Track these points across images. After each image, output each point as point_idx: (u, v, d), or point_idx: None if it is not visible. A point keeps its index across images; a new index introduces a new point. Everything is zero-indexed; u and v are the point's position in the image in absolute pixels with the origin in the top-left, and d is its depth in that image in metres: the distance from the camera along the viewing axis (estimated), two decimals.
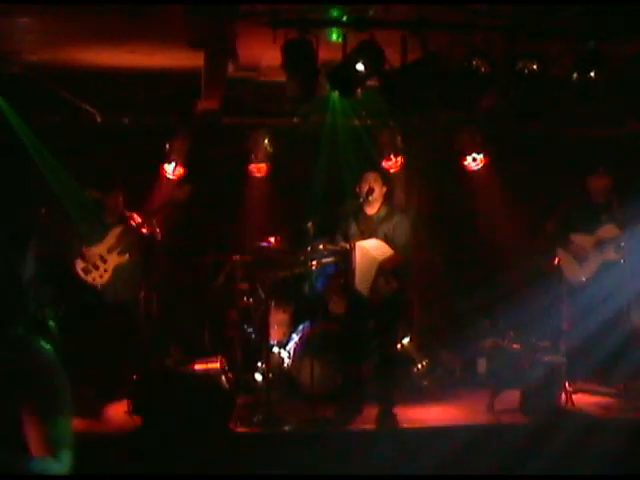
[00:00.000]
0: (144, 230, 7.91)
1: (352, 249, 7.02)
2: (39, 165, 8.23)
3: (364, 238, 7.06)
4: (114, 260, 7.89)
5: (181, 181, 8.35)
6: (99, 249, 7.89)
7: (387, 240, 7.00)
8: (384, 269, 6.86)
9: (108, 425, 6.90)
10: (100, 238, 7.91)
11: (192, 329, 8.46)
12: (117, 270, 7.89)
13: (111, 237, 7.91)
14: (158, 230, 7.88)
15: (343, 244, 7.18)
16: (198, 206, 8.62)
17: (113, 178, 8.19)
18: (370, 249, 6.96)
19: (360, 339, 7.29)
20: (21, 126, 8.17)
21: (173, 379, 7.11)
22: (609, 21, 6.35)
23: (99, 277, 7.87)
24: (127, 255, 7.89)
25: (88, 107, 8.50)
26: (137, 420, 6.60)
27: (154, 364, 7.75)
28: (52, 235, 7.96)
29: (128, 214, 8.06)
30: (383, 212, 7.17)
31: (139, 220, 7.97)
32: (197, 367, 7.57)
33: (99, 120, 8.64)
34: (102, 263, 7.88)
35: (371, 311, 7.11)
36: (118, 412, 7.03)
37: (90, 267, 7.87)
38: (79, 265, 7.87)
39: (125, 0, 6.06)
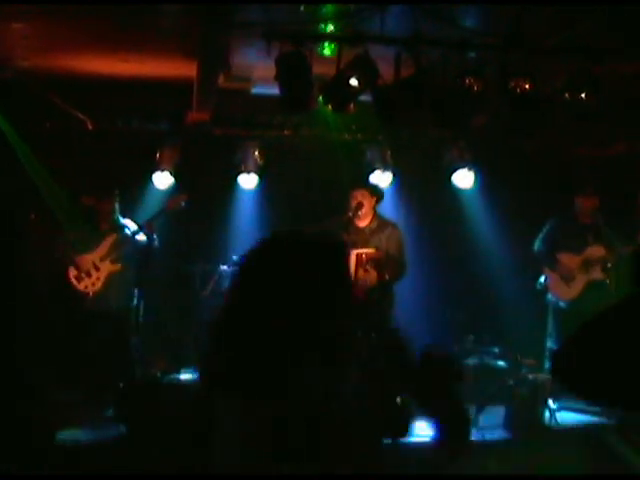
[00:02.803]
0: (140, 238, 7.89)
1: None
2: (29, 171, 8.20)
3: (357, 248, 7.08)
4: (107, 268, 7.85)
5: (175, 190, 8.28)
6: (92, 257, 7.84)
7: (378, 251, 7.04)
8: (360, 259, 6.92)
9: (93, 433, 6.85)
10: (94, 246, 7.87)
11: (178, 339, 8.43)
12: (110, 278, 7.85)
13: (105, 245, 7.87)
14: (155, 237, 7.86)
15: None
16: (186, 216, 8.61)
17: (108, 185, 8.16)
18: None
19: None
20: (11, 132, 8.15)
21: (159, 388, 7.08)
22: (602, 42, 6.40)
23: (91, 285, 7.82)
24: (120, 263, 7.86)
25: (79, 114, 8.48)
26: (122, 428, 6.58)
27: (140, 373, 7.71)
28: (41, 241, 7.96)
29: (123, 222, 8.05)
30: (375, 224, 7.22)
31: (134, 228, 7.95)
32: (183, 377, 7.55)
33: (90, 127, 8.62)
34: (95, 271, 7.83)
35: (358, 314, 7.09)
36: (103, 420, 7.00)
37: (82, 275, 7.82)
38: (72, 273, 7.82)
39: (119, 8, 6.05)
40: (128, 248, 7.87)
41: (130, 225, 8.02)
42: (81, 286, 7.82)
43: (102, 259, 7.84)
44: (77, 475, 5.95)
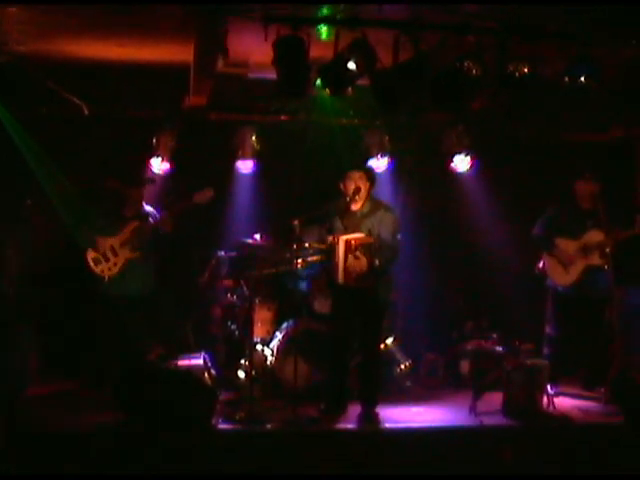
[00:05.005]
0: (162, 227, 7.87)
1: (336, 244, 7.04)
2: (25, 156, 8.16)
3: (347, 233, 7.07)
4: (125, 254, 7.82)
5: (203, 185, 8.14)
6: (112, 241, 7.83)
7: (371, 234, 7.02)
8: (350, 246, 6.90)
9: (90, 419, 6.86)
10: (115, 230, 7.85)
11: (176, 325, 8.43)
12: (127, 265, 7.82)
13: (126, 231, 7.84)
14: (171, 230, 7.87)
15: (328, 238, 7.18)
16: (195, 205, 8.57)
17: (140, 173, 8.24)
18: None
19: (344, 338, 7.29)
20: (7, 117, 8.11)
21: (156, 375, 7.07)
22: (601, 26, 6.38)
23: (107, 269, 7.79)
24: (139, 252, 7.83)
25: (75, 99, 8.43)
26: (119, 415, 6.57)
27: (137, 359, 7.70)
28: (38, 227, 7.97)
29: (147, 210, 8.05)
30: (367, 208, 7.20)
31: (157, 218, 7.95)
32: (180, 363, 7.55)
33: (86, 112, 8.57)
34: (113, 255, 7.82)
35: (354, 304, 7.10)
36: (101, 406, 7.00)
37: (100, 258, 7.81)
38: (90, 255, 7.82)
39: None
40: (148, 237, 7.86)
41: (153, 214, 8.01)
42: (98, 269, 7.81)
43: (122, 245, 7.82)
44: (77, 474, 5.97)
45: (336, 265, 7.06)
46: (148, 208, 8.09)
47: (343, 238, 6.99)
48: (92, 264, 7.82)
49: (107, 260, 7.82)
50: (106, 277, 7.80)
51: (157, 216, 7.99)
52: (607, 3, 6.02)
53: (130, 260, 7.83)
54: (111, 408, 6.68)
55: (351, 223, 7.16)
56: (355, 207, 7.20)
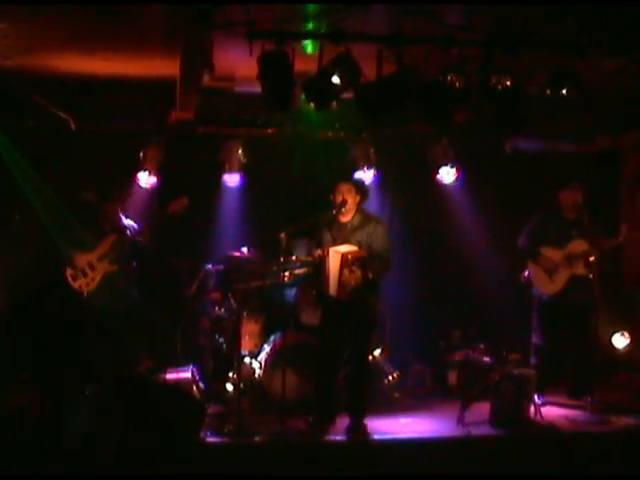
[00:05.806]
0: (140, 239, 7.91)
1: (326, 256, 7.06)
2: (11, 170, 8.16)
3: (336, 245, 7.09)
4: (103, 268, 7.86)
5: (178, 195, 8.18)
6: (89, 256, 7.87)
7: (361, 247, 7.04)
8: (346, 260, 6.91)
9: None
10: (93, 244, 7.89)
11: (164, 338, 8.43)
12: (105, 279, 7.86)
13: (104, 245, 7.89)
14: (148, 242, 7.91)
15: (317, 252, 7.20)
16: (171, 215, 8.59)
17: (115, 185, 8.26)
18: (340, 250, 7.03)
19: (333, 350, 7.30)
20: None
21: (144, 388, 7.06)
22: (584, 38, 6.44)
23: (85, 285, 7.86)
24: (117, 265, 7.86)
25: (62, 114, 8.45)
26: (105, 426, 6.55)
27: (125, 372, 7.70)
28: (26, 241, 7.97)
29: (125, 222, 8.07)
30: (357, 220, 7.21)
31: (136, 229, 7.98)
32: (168, 376, 7.55)
33: (73, 127, 8.59)
34: (90, 270, 7.86)
35: (344, 316, 7.12)
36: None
37: (78, 273, 7.87)
38: (68, 271, 7.88)
39: (101, 8, 6.04)
40: (127, 250, 7.89)
41: (132, 226, 8.05)
42: (76, 285, 7.87)
43: (100, 259, 7.87)
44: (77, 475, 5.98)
45: (327, 278, 7.07)
46: (127, 221, 8.12)
47: (339, 251, 6.97)
48: (70, 280, 7.88)
49: (85, 275, 7.87)
50: (85, 292, 7.84)
51: (135, 229, 8.02)
52: (590, 12, 6.07)
53: (108, 274, 7.87)
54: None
55: (340, 235, 7.18)
56: (344, 219, 7.22)
